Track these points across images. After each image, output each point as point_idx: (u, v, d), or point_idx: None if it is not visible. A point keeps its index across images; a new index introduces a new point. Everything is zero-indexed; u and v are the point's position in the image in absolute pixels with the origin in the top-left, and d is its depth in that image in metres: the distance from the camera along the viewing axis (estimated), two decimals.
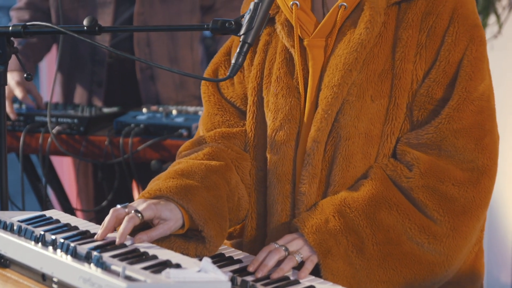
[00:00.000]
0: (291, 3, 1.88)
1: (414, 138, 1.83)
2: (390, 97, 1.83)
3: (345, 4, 1.84)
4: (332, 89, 1.83)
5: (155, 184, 1.82)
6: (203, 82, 2.04)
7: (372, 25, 1.82)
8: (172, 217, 1.74)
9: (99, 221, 1.76)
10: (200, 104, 3.37)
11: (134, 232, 1.73)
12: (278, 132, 1.89)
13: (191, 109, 3.04)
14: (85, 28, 1.84)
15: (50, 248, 1.60)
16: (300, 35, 1.89)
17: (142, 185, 3.25)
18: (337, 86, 1.82)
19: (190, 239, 1.78)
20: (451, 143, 1.81)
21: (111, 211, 1.72)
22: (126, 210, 1.72)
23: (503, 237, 4.13)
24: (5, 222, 1.74)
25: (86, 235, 1.72)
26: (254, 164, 1.96)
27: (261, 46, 1.96)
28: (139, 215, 1.70)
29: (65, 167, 4.25)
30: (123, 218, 1.70)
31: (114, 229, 1.72)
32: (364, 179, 1.83)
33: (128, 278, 1.45)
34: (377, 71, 1.83)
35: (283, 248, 1.74)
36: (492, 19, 4.07)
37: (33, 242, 1.64)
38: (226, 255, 1.80)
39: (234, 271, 1.69)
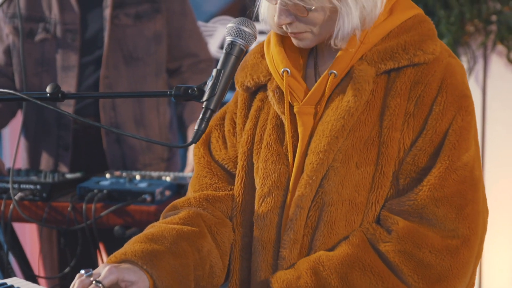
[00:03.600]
0: (282, 70, 1.89)
1: (396, 204, 1.82)
2: (377, 165, 1.82)
3: (335, 72, 1.85)
4: (318, 155, 1.83)
5: (122, 248, 1.81)
6: (196, 144, 2.02)
7: (361, 93, 1.82)
8: (139, 279, 1.73)
9: None
10: (166, 167, 3.38)
11: None
12: (266, 199, 1.89)
13: (154, 174, 3.04)
14: (48, 95, 1.84)
15: None
16: (290, 101, 1.90)
17: (106, 251, 3.22)
18: (323, 152, 1.83)
19: None
20: (432, 211, 1.79)
21: (76, 279, 1.70)
22: (91, 278, 1.70)
23: None
24: None
25: None
26: (240, 230, 1.95)
27: (253, 112, 1.97)
28: (100, 285, 1.68)
29: (27, 234, 4.21)
30: (88, 286, 1.69)
31: None
32: (343, 242, 1.82)
33: None
34: (363, 138, 1.83)
35: None
36: None
37: None
38: None
39: None
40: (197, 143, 2.00)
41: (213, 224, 1.93)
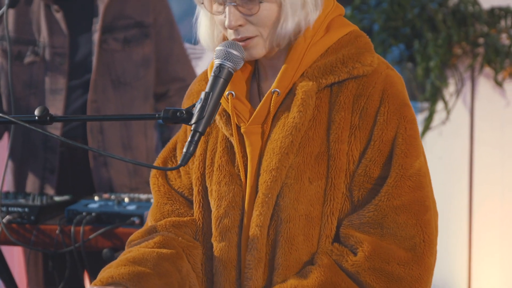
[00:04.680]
0: (227, 93, 1.91)
1: (356, 218, 1.84)
2: (327, 178, 1.85)
3: (277, 90, 1.88)
4: (270, 173, 1.85)
5: (106, 272, 1.81)
6: (152, 173, 2.06)
7: (305, 108, 1.85)
8: None
9: None
10: None
11: None
12: (223, 220, 1.90)
13: (143, 196, 3.03)
14: (36, 117, 1.85)
15: None
16: (237, 123, 1.91)
17: (94, 274, 3.21)
18: (275, 169, 1.85)
19: None
20: (392, 219, 1.82)
21: None
22: None
23: None
24: None
25: None
26: (204, 253, 1.96)
27: (202, 137, 1.98)
28: None
29: (15, 256, 4.19)
30: None
31: None
32: (311, 266, 1.83)
33: None
34: (313, 154, 1.86)
35: None
36: (440, 105, 4.16)
37: None
38: None
39: None
40: (155, 173, 2.05)
41: (185, 247, 1.94)
